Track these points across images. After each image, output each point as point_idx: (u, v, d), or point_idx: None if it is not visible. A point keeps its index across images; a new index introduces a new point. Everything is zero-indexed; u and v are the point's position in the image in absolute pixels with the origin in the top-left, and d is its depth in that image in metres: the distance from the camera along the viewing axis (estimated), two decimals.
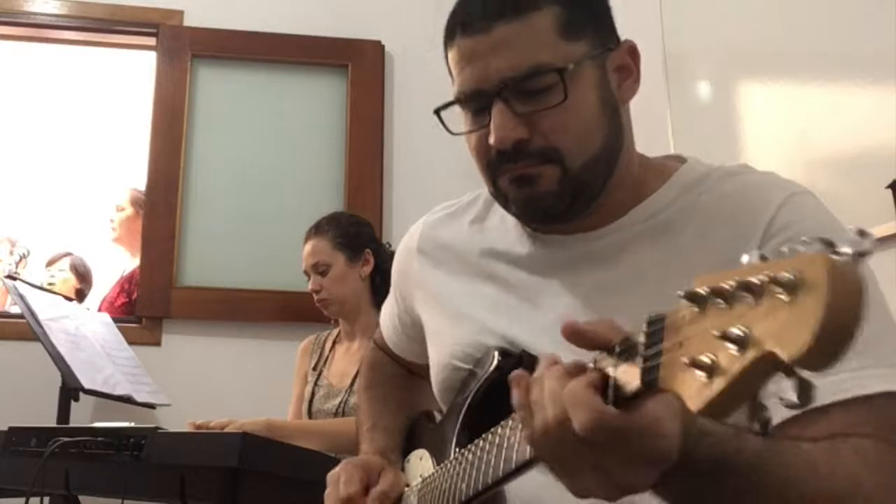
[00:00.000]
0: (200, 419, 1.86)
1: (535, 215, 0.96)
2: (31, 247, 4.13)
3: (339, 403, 2.22)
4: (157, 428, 1.63)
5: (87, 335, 2.72)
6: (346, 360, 2.33)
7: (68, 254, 3.89)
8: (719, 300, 0.48)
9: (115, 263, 3.70)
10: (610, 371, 0.58)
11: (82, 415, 2.68)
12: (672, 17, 2.09)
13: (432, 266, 1.09)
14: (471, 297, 1.02)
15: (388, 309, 1.25)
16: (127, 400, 2.62)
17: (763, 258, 0.47)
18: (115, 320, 2.97)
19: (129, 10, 3.23)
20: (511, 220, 1.03)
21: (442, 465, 0.94)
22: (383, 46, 3.34)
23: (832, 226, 0.87)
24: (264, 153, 3.23)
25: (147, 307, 3.05)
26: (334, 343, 2.42)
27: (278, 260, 3.05)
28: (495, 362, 0.91)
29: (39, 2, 3.20)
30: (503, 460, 0.74)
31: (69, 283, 3.76)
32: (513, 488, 0.86)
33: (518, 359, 0.89)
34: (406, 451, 1.11)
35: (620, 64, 0.94)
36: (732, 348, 0.46)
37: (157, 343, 3.03)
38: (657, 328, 0.54)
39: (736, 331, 0.46)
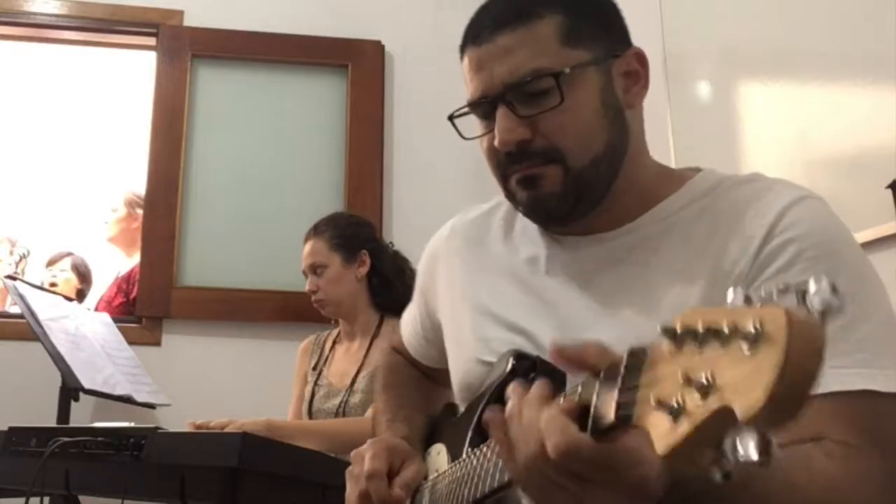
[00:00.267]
0: (200, 419, 1.85)
1: (540, 216, 1.00)
2: (31, 247, 4.13)
3: (339, 403, 2.22)
4: (157, 428, 1.63)
5: (87, 335, 2.72)
6: (346, 360, 2.33)
7: (69, 253, 3.89)
8: (692, 342, 0.48)
9: (112, 263, 3.70)
10: (593, 399, 0.58)
11: (82, 415, 2.68)
12: (672, 17, 2.09)
13: (458, 264, 1.13)
14: (492, 295, 1.05)
15: (410, 314, 1.29)
16: (127, 400, 2.62)
17: (748, 299, 0.47)
18: (115, 320, 2.97)
19: (129, 10, 3.23)
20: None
21: (452, 464, 0.96)
22: (383, 46, 3.34)
23: (836, 232, 0.88)
24: (264, 153, 3.23)
25: (147, 307, 3.05)
26: (334, 343, 2.42)
27: (278, 260, 3.05)
28: (510, 365, 0.92)
29: (39, 2, 3.20)
30: (499, 471, 0.75)
31: (71, 282, 3.76)
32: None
33: (533, 363, 0.90)
34: (428, 442, 1.13)
35: (627, 70, 0.98)
36: (696, 395, 0.46)
37: (157, 343, 3.03)
38: (637, 361, 0.54)
39: (701, 378, 0.46)
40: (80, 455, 1.63)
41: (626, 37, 1.00)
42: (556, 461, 0.58)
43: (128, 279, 3.35)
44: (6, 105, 4.78)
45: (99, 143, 4.87)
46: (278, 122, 3.27)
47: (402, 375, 1.31)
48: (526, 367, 0.90)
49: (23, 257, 4.00)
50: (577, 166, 0.93)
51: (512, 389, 0.69)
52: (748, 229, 0.88)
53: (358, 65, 3.30)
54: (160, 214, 3.10)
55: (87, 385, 2.48)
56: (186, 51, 3.21)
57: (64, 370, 2.47)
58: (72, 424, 2.48)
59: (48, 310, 2.65)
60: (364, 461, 1.01)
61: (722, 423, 0.45)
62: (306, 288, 2.34)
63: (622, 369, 0.55)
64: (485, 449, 0.82)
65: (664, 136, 2.05)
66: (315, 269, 2.33)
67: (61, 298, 2.93)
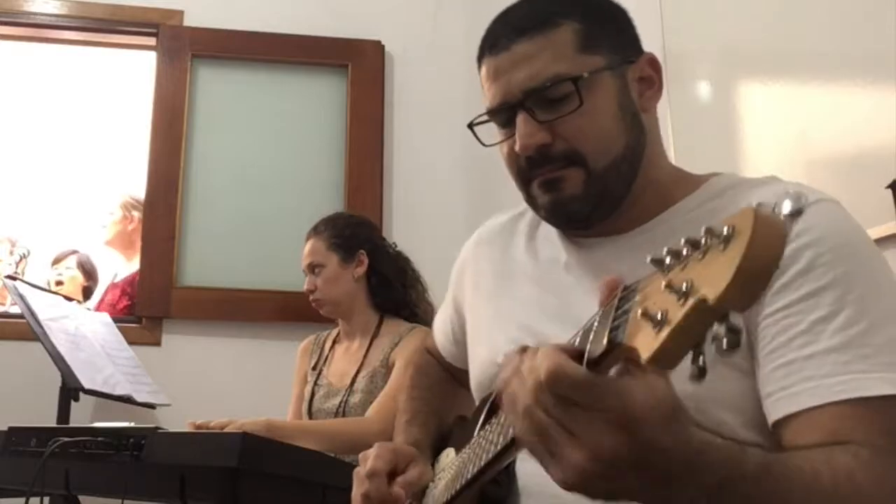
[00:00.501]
0: (200, 419, 1.85)
1: (561, 219, 1.02)
2: (31, 247, 4.12)
3: (339, 403, 2.22)
4: (157, 428, 1.63)
5: (87, 335, 2.72)
6: (346, 360, 2.33)
7: (74, 251, 3.89)
8: (677, 262, 0.52)
9: (111, 266, 3.70)
10: (590, 336, 0.61)
11: (82, 415, 2.68)
12: (672, 17, 2.09)
13: (483, 270, 1.16)
14: (512, 300, 1.08)
15: (442, 315, 1.32)
16: (127, 400, 2.62)
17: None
18: (115, 320, 2.97)
19: (129, 10, 3.24)
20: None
21: (457, 455, 0.99)
22: (383, 46, 3.34)
23: (852, 235, 0.88)
24: (264, 153, 3.23)
25: (147, 307, 3.05)
26: (334, 343, 2.42)
27: (278, 260, 3.05)
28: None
29: (39, 2, 3.20)
30: (501, 436, 0.77)
31: (77, 280, 3.76)
32: (525, 475, 0.94)
33: None
34: (440, 449, 1.16)
35: (642, 75, 1.01)
36: (677, 302, 0.49)
37: (157, 343, 3.03)
38: (629, 293, 0.58)
39: (680, 282, 0.50)
40: (80, 455, 1.63)
41: (639, 43, 1.03)
42: (547, 385, 0.60)
43: (132, 283, 3.35)
44: (6, 105, 4.78)
45: (99, 144, 4.87)
46: (278, 122, 3.27)
47: (429, 378, 1.34)
48: None
49: (23, 257, 4.00)
50: (598, 168, 0.95)
51: (506, 357, 0.70)
52: None
53: (358, 65, 3.30)
54: (160, 214, 3.10)
55: (87, 385, 2.48)
56: (186, 51, 3.22)
57: (64, 370, 2.47)
58: (72, 424, 2.48)
59: (48, 310, 2.65)
60: (368, 461, 1.03)
61: (700, 319, 0.49)
62: (304, 287, 2.35)
63: (616, 301, 0.59)
64: (488, 427, 0.83)
65: (664, 136, 2.04)
66: (313, 269, 2.33)
67: (61, 298, 2.93)
